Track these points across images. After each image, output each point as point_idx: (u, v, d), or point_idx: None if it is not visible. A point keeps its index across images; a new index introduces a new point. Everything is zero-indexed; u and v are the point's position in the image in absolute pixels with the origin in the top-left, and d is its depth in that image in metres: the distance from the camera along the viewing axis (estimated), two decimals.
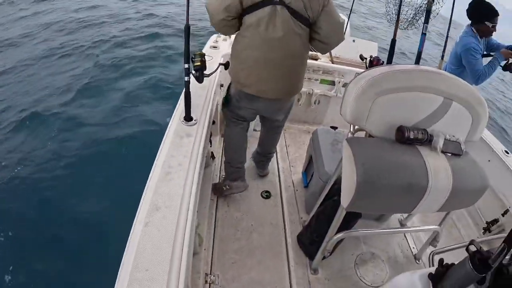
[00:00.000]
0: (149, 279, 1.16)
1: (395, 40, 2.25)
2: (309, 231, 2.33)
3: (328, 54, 3.79)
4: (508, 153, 2.93)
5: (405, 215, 2.84)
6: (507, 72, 3.43)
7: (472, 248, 1.09)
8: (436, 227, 2.18)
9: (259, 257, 2.33)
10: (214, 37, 3.66)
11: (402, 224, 2.82)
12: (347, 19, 5.40)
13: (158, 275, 1.18)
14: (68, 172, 4.30)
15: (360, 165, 1.45)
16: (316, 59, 3.64)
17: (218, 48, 3.36)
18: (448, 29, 3.27)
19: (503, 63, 3.38)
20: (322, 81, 3.69)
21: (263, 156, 2.93)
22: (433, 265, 1.50)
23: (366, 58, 2.97)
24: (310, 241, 2.30)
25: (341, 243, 2.37)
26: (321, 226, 2.13)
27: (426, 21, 2.30)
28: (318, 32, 2.10)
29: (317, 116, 4.00)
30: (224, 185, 2.66)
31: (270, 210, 2.73)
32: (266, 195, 2.86)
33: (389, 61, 2.26)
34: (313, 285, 2.23)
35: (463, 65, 3.37)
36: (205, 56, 2.03)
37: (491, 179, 2.78)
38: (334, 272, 2.35)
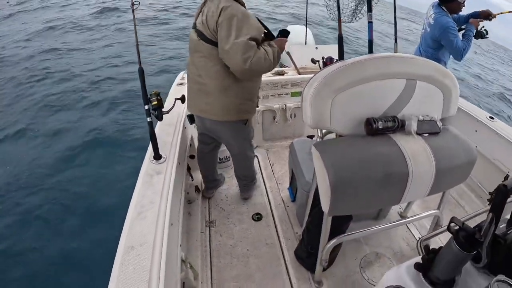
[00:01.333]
0: None
1: (342, 35, 2.27)
2: (303, 244, 2.29)
3: (293, 66, 3.81)
4: (493, 118, 2.94)
5: (404, 206, 2.82)
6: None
7: (454, 226, 1.02)
8: (435, 211, 2.15)
9: (259, 280, 2.29)
10: (181, 74, 3.68)
11: (402, 217, 2.78)
12: (305, 28, 5.53)
13: None
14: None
15: (330, 167, 1.43)
16: (282, 74, 3.66)
17: (184, 85, 3.38)
18: (395, 11, 3.32)
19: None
20: (293, 94, 3.71)
21: (239, 179, 2.95)
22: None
23: (318, 61, 2.99)
24: (306, 254, 2.26)
25: (341, 250, 2.34)
26: (313, 236, 2.09)
27: (369, 9, 2.31)
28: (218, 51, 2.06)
29: (296, 129, 4.00)
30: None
31: (263, 232, 2.69)
32: (257, 217, 2.83)
33: (341, 57, 2.27)
34: None
35: (441, 45, 3.44)
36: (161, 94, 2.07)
37: (483, 148, 2.82)
38: (340, 280, 2.30)
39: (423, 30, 3.61)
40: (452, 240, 1.00)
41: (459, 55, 3.34)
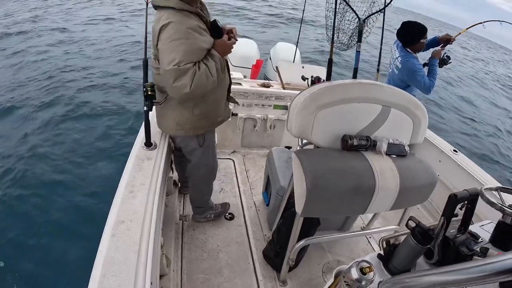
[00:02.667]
0: (117, 285, 1.28)
1: (331, 59, 2.44)
2: (272, 245, 2.43)
3: (279, 81, 3.99)
4: (456, 151, 3.17)
5: (367, 221, 2.99)
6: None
7: (412, 224, 1.23)
8: (396, 226, 2.34)
9: (227, 274, 2.41)
10: None
11: (364, 230, 2.97)
12: (295, 47, 5.73)
13: (125, 280, 1.29)
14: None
15: (308, 172, 1.57)
16: (268, 87, 3.83)
17: None
18: (381, 44, 3.50)
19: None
20: (276, 107, 3.87)
21: (191, 200, 2.84)
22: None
23: (307, 79, 3.18)
24: (274, 253, 2.41)
25: (306, 254, 2.49)
26: (283, 237, 2.25)
27: (359, 40, 2.50)
28: None
29: (274, 140, 4.16)
30: None
31: (234, 230, 2.83)
32: (230, 216, 2.96)
33: (328, 79, 2.44)
34: None
35: (409, 85, 3.56)
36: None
37: (445, 177, 3.05)
38: (303, 282, 2.45)
39: (390, 70, 3.72)
40: (409, 235, 1.22)
41: (427, 91, 3.48)
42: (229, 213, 3.00)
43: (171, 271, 2.32)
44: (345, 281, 1.25)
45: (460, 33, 3.88)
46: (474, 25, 4.05)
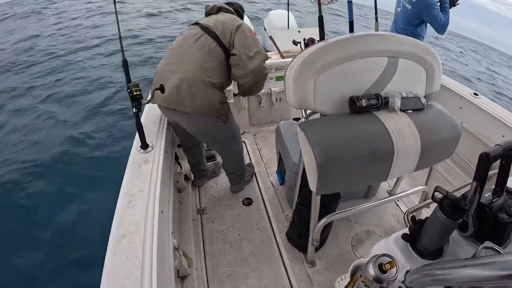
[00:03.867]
0: None
1: (322, 16, 2.25)
2: (294, 226, 2.31)
3: (277, 50, 3.80)
4: (477, 94, 2.97)
5: (392, 184, 2.85)
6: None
7: (439, 195, 1.04)
8: (424, 187, 2.18)
9: (253, 264, 2.31)
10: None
11: (391, 194, 2.82)
12: (287, 12, 5.51)
13: None
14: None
15: (315, 145, 1.43)
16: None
17: None
18: None
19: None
20: (277, 78, 3.69)
21: (227, 173, 2.89)
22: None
23: (299, 42, 2.97)
24: (298, 235, 2.29)
25: (332, 229, 2.37)
26: (303, 217, 2.12)
27: None
28: None
29: (283, 113, 3.99)
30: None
31: (254, 216, 2.71)
32: (248, 202, 2.84)
33: (322, 38, 2.25)
34: (313, 278, 2.20)
35: (422, 21, 3.51)
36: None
37: (468, 124, 2.85)
38: (333, 259, 2.33)
39: (400, 8, 3.64)
40: (437, 209, 1.02)
41: (442, 29, 3.41)
42: (247, 198, 2.89)
43: (193, 270, 2.23)
44: (362, 281, 1.06)
45: None
46: None
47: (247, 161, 3.36)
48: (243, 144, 3.58)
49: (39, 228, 3.85)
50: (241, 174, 2.89)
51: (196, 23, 2.29)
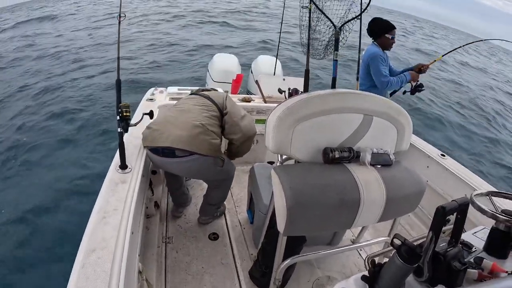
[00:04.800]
0: None
1: (308, 69, 2.38)
2: (258, 265, 2.34)
3: (260, 94, 3.93)
4: (444, 155, 3.12)
5: (356, 234, 2.91)
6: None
7: (397, 241, 1.12)
8: (386, 238, 2.24)
9: None
10: (151, 90, 3.75)
11: (354, 243, 2.87)
12: (275, 59, 5.70)
13: None
14: None
15: (288, 189, 1.48)
16: (249, 101, 3.77)
17: (154, 100, 3.45)
18: (359, 52, 3.51)
19: (408, 87, 3.77)
20: (258, 121, 3.77)
21: (208, 204, 2.91)
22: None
23: (284, 91, 3.11)
24: (261, 274, 2.30)
25: (294, 272, 2.39)
26: (268, 257, 2.14)
27: (336, 49, 2.45)
28: None
29: (258, 155, 4.06)
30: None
31: (219, 250, 2.72)
32: (214, 236, 2.86)
33: (306, 90, 2.38)
34: None
35: (372, 79, 3.60)
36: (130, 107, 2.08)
37: (434, 182, 2.98)
38: None
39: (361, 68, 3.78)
40: (395, 254, 1.11)
41: (383, 84, 3.50)
42: (214, 233, 2.90)
43: None
44: None
45: (435, 61, 3.96)
46: (450, 52, 4.13)
47: None
48: None
49: None
50: (218, 208, 3.01)
51: (194, 93, 2.69)
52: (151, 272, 2.34)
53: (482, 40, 4.15)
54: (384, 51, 3.62)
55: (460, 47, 3.98)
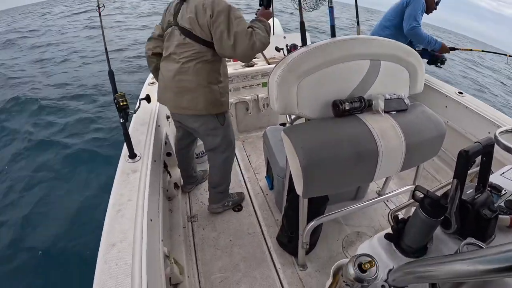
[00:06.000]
0: None
1: (303, 22, 2.26)
2: (284, 230, 2.32)
3: (263, 57, 3.83)
4: (462, 93, 3.02)
5: (381, 185, 2.88)
6: None
7: (419, 194, 1.06)
8: (412, 186, 2.19)
9: (245, 269, 2.31)
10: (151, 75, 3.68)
11: (379, 195, 2.84)
12: (272, 19, 5.51)
13: None
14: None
15: (300, 149, 1.44)
16: (252, 66, 3.68)
17: (155, 84, 3.38)
18: None
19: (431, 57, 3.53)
20: (264, 84, 3.73)
21: (210, 187, 2.77)
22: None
23: (282, 49, 2.99)
24: (288, 239, 2.29)
25: (322, 232, 2.38)
26: (292, 221, 2.13)
27: None
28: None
29: (270, 119, 4.03)
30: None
31: (245, 221, 2.71)
32: (238, 208, 2.85)
33: (304, 43, 2.27)
34: (305, 281, 2.21)
35: (400, 19, 3.41)
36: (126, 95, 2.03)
37: (454, 122, 2.90)
38: (324, 262, 2.34)
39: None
40: (418, 208, 1.04)
41: (412, 30, 3.30)
42: (237, 204, 2.90)
43: (185, 278, 2.21)
44: (344, 281, 1.08)
45: (471, 49, 3.82)
46: (491, 52, 3.89)
47: (236, 172, 3.32)
48: None
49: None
50: (221, 192, 2.76)
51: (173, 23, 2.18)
52: (180, 253, 2.35)
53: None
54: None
55: (506, 55, 3.63)
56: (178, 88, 2.21)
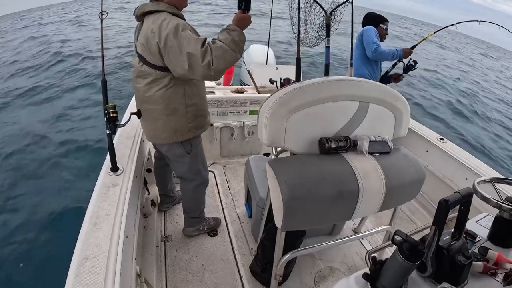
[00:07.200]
0: None
1: (300, 58, 2.32)
2: (258, 260, 2.30)
3: (253, 85, 3.88)
4: (443, 139, 3.11)
5: (357, 222, 2.89)
6: None
7: (399, 238, 1.07)
8: (388, 226, 2.21)
9: None
10: None
11: (355, 232, 2.85)
12: (267, 48, 5.61)
13: None
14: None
15: (283, 183, 1.45)
16: (242, 92, 3.72)
17: None
18: (352, 37, 3.49)
19: (399, 69, 3.82)
20: (252, 112, 3.76)
21: (184, 211, 2.72)
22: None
23: (275, 81, 3.05)
24: (261, 269, 2.27)
25: (296, 265, 2.37)
26: (267, 252, 2.11)
27: (328, 34, 2.40)
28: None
29: (254, 147, 4.04)
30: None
31: (219, 247, 2.68)
32: (213, 233, 2.82)
33: (298, 79, 2.32)
34: None
35: (361, 50, 3.72)
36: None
37: (433, 167, 2.97)
38: None
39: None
40: (396, 252, 1.06)
41: (373, 50, 3.56)
42: (212, 229, 2.86)
43: None
44: None
45: (419, 42, 4.00)
46: (439, 30, 4.12)
47: (214, 196, 3.32)
48: (212, 174, 3.58)
49: None
50: (194, 217, 2.70)
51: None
52: (151, 272, 2.30)
53: (478, 21, 4.06)
54: None
55: (452, 24, 3.94)
56: (144, 117, 2.14)
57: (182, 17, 1.96)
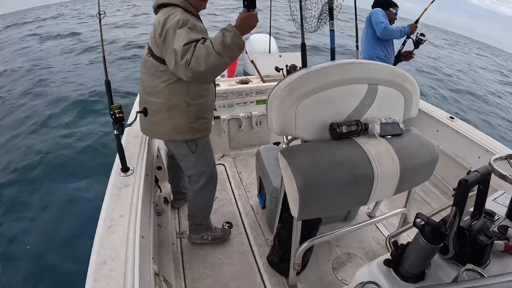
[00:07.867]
0: None
1: (305, 43, 2.29)
2: (275, 250, 2.30)
3: (258, 75, 3.84)
4: (453, 118, 3.09)
5: (372, 207, 2.88)
6: None
7: (420, 221, 1.07)
8: (402, 209, 2.20)
9: None
10: None
11: (370, 217, 2.84)
12: (269, 37, 5.56)
13: None
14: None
15: (297, 172, 1.44)
16: (247, 83, 3.69)
17: None
18: (356, 19, 3.47)
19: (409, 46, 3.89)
20: (258, 102, 3.74)
21: (188, 216, 2.59)
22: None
23: (281, 69, 3.02)
24: (279, 259, 2.27)
25: (313, 253, 2.36)
26: (284, 242, 2.11)
27: (331, 18, 2.35)
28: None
29: (262, 137, 4.03)
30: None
31: (235, 240, 2.68)
32: (228, 225, 2.81)
33: (304, 65, 2.28)
34: None
35: (371, 30, 3.82)
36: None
37: (445, 146, 2.94)
38: (314, 282, 2.31)
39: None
40: (419, 235, 1.05)
41: (382, 29, 3.67)
42: (227, 222, 2.85)
43: None
44: None
45: (421, 14, 4.02)
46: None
47: (226, 189, 3.29)
48: (223, 167, 3.56)
49: None
50: (197, 224, 2.56)
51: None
52: (169, 270, 2.31)
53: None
54: None
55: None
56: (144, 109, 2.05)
57: (195, 15, 1.93)
